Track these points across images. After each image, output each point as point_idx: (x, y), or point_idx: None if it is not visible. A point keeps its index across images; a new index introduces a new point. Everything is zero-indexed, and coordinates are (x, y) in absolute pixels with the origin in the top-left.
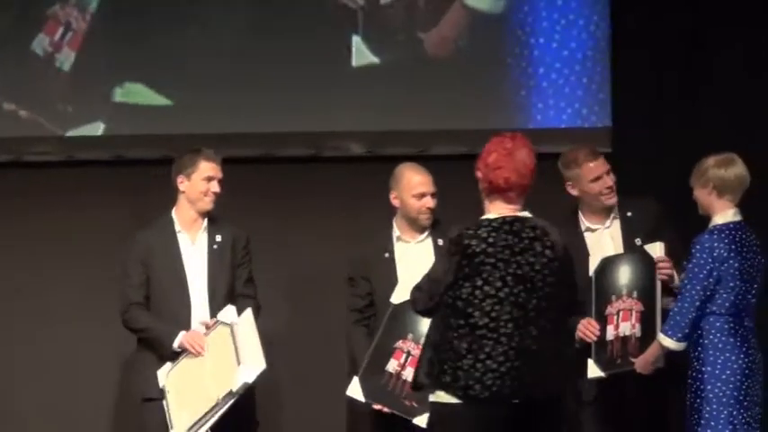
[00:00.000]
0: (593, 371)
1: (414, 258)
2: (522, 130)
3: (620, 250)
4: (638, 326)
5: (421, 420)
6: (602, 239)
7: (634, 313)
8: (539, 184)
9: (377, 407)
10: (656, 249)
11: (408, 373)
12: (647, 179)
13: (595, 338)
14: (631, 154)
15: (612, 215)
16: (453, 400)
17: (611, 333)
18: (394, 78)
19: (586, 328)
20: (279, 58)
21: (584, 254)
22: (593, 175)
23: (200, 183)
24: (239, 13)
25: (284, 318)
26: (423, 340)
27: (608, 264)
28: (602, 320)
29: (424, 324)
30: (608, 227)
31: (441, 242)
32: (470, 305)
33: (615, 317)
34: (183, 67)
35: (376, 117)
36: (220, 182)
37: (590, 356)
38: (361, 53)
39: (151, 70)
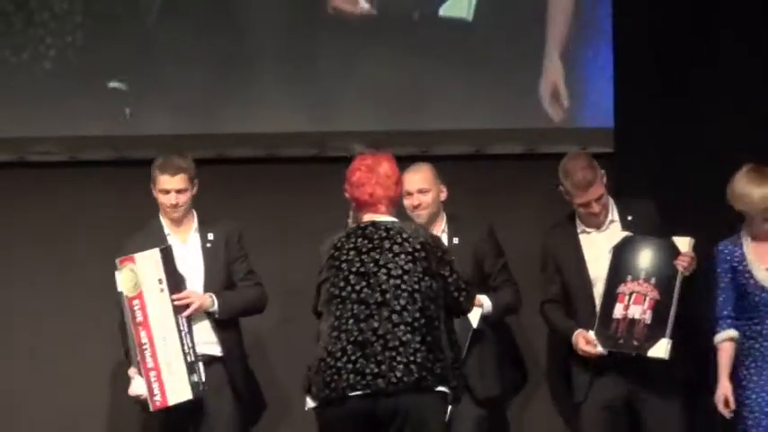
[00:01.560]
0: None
1: None
2: (524, 129)
3: None
4: (649, 312)
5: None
6: (598, 241)
7: (648, 299)
8: (542, 184)
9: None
10: (685, 244)
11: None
12: (649, 179)
13: (592, 353)
14: (633, 154)
15: (609, 219)
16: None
17: (619, 312)
18: (397, 75)
19: (584, 348)
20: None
21: (580, 254)
22: (579, 201)
23: (158, 194)
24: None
25: (288, 317)
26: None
27: (630, 243)
28: (613, 297)
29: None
30: (603, 230)
31: (456, 241)
32: (325, 308)
33: (627, 297)
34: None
35: (379, 117)
36: (181, 192)
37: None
38: None
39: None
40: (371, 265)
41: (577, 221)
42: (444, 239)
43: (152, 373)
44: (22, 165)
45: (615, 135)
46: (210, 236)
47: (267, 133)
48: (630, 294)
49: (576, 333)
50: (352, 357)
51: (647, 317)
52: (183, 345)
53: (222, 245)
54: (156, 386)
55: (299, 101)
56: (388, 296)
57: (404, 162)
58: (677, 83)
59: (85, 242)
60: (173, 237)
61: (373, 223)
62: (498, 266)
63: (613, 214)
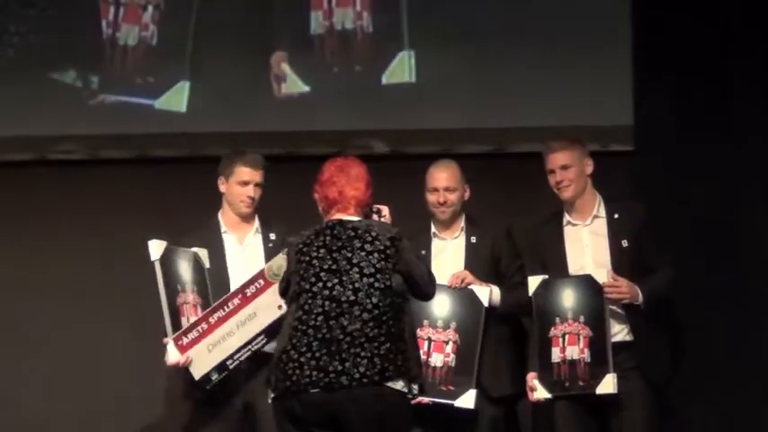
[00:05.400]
0: (541, 392)
1: (448, 255)
2: (542, 127)
3: (604, 249)
4: (587, 351)
5: (464, 401)
6: (582, 235)
7: (582, 338)
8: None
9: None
10: (603, 276)
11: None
12: (670, 177)
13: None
14: (654, 152)
15: (594, 214)
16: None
17: (557, 355)
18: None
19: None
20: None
21: (562, 247)
22: (547, 168)
23: (235, 186)
24: None
25: None
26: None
27: (549, 285)
28: (547, 342)
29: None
30: (587, 224)
31: (474, 239)
32: (293, 302)
33: (561, 339)
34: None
35: (399, 115)
36: (259, 185)
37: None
38: None
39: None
40: (344, 263)
41: (564, 213)
42: (462, 238)
43: (201, 327)
44: (44, 163)
45: (636, 133)
46: (272, 236)
47: (287, 132)
48: (563, 336)
49: (528, 376)
50: (317, 354)
51: (586, 356)
52: (239, 349)
53: (281, 244)
54: (191, 336)
55: (319, 99)
56: (360, 294)
57: (424, 160)
58: (696, 79)
59: (108, 240)
60: (228, 235)
61: (340, 222)
62: (514, 267)
63: (600, 210)
